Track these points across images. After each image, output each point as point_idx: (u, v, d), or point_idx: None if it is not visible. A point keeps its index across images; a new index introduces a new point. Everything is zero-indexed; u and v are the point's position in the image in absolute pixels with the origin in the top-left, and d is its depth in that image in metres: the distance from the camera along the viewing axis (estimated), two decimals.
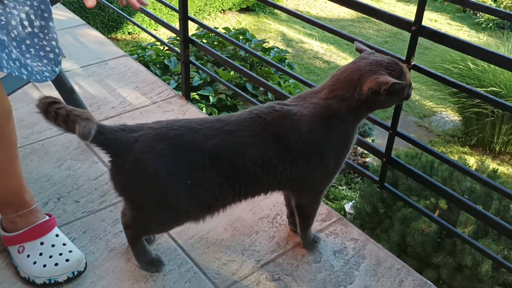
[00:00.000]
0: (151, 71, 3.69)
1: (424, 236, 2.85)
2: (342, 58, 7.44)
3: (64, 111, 1.37)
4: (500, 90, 4.87)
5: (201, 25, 2.61)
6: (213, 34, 5.00)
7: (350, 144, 1.61)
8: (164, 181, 1.46)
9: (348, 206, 4.22)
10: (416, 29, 1.63)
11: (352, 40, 1.80)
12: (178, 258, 1.78)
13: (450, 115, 6.02)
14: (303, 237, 1.80)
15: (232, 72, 4.23)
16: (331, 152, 1.55)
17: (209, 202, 1.52)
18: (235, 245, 1.84)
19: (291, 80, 4.76)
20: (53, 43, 1.57)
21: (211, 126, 1.48)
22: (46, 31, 1.56)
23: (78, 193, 2.05)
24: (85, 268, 1.70)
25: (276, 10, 8.99)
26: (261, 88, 4.28)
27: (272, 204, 2.02)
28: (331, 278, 1.73)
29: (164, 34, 7.18)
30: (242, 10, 8.69)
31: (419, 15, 1.60)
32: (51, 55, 1.55)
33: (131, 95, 2.72)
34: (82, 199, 2.02)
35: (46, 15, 1.56)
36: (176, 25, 2.68)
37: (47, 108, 1.39)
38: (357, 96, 1.47)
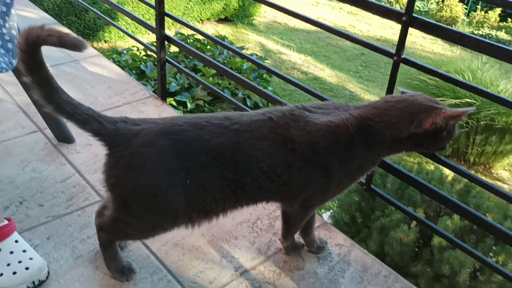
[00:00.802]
0: None
1: (402, 245, 2.80)
2: (320, 69, 7.44)
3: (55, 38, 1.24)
4: (474, 101, 4.93)
5: (178, 21, 2.51)
6: (191, 40, 4.91)
7: (365, 172, 1.52)
8: (161, 180, 1.35)
9: (326, 216, 4.15)
10: (407, 19, 1.57)
11: (353, 39, 1.77)
12: (150, 265, 1.65)
13: None
14: (285, 243, 1.72)
15: (210, 79, 4.14)
16: (343, 171, 1.44)
17: (208, 207, 1.41)
18: (213, 252, 1.72)
19: (270, 88, 4.71)
20: (13, 32, 1.45)
21: (219, 124, 1.38)
22: (6, 18, 1.44)
23: (42, 197, 1.90)
24: (47, 277, 1.56)
25: (254, 21, 8.97)
26: (240, 94, 4.20)
27: (252, 208, 1.92)
28: (315, 286, 1.63)
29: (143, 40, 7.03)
30: (220, 21, 8.64)
31: (410, 5, 1.55)
32: (9, 45, 1.43)
33: (104, 95, 2.59)
34: (47, 203, 1.88)
35: (8, 0, 1.44)
36: (153, 23, 2.58)
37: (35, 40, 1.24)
38: (412, 129, 1.38)
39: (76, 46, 1.26)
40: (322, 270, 1.69)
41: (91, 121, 1.34)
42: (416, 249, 2.91)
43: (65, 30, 1.30)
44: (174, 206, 1.38)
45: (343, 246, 1.80)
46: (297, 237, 1.77)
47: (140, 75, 4.27)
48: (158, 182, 1.35)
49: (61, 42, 1.24)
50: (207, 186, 1.37)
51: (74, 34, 1.27)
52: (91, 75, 2.77)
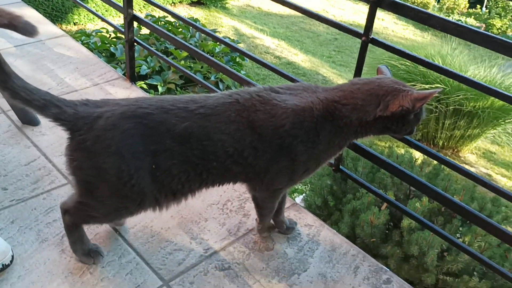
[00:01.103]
0: None
1: (373, 227, 2.85)
2: (293, 54, 7.43)
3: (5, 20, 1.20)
4: (445, 86, 5.01)
5: (148, 1, 2.45)
6: (162, 23, 4.82)
7: (332, 156, 1.49)
8: (126, 164, 1.31)
9: (298, 199, 4.18)
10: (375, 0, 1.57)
11: (322, 19, 1.77)
12: (118, 248, 1.63)
13: None
14: (259, 226, 1.70)
15: (182, 62, 4.08)
16: (307, 155, 1.41)
17: (174, 187, 1.39)
18: (182, 234, 1.71)
19: (243, 72, 4.67)
20: None
21: (184, 108, 1.35)
22: None
23: (6, 180, 1.84)
24: (11, 261, 1.52)
25: (227, 5, 8.86)
26: (212, 78, 4.16)
27: (222, 190, 1.90)
28: (284, 266, 1.64)
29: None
30: (193, 4, 8.49)
31: None
32: None
33: (70, 76, 2.52)
34: (11, 186, 1.82)
35: None
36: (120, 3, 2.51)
37: None
38: (379, 112, 1.36)
39: (27, 31, 1.22)
40: (291, 250, 1.70)
41: (49, 106, 1.30)
42: (386, 231, 2.96)
43: (32, 11, 1.25)
44: (139, 189, 1.35)
45: (312, 227, 1.81)
46: None
47: (110, 58, 4.17)
48: (123, 166, 1.31)
49: (12, 24, 1.19)
50: (173, 170, 1.35)
51: (25, 19, 1.22)
52: (57, 56, 2.69)
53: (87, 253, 1.55)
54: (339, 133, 1.41)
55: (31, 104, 1.30)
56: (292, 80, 1.96)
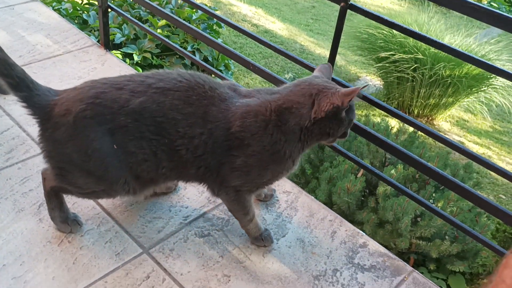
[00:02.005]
0: None
1: (349, 194, 2.90)
2: (270, 22, 7.34)
3: None
4: (423, 57, 5.05)
5: None
6: None
7: (284, 164, 1.42)
8: (86, 147, 1.30)
9: None
10: None
11: None
12: (97, 217, 1.62)
13: (374, 80, 6.19)
14: (245, 230, 1.60)
15: (159, 30, 3.98)
16: (258, 159, 1.37)
17: (135, 171, 1.37)
18: (161, 202, 1.71)
19: (220, 40, 4.60)
20: None
21: (141, 82, 1.31)
22: None
23: None
24: None
25: None
26: (189, 48, 4.08)
27: None
28: None
29: None
30: None
31: None
32: None
33: (42, 43, 2.44)
34: None
35: None
36: None
37: None
38: (314, 114, 1.34)
39: None
40: (270, 216, 1.73)
41: (22, 86, 1.30)
42: (362, 198, 3.02)
43: None
44: (105, 171, 1.35)
45: (290, 193, 1.84)
46: None
47: (83, 25, 4.04)
48: (83, 148, 1.31)
49: None
50: (130, 147, 1.32)
51: None
52: (28, 22, 2.59)
53: (65, 221, 1.55)
54: (286, 140, 1.37)
55: (6, 79, 1.30)
56: (268, 45, 1.94)
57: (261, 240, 1.60)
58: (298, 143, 1.39)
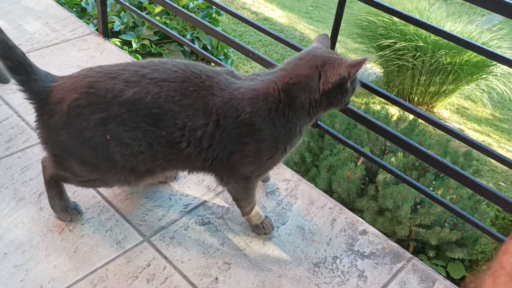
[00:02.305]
0: None
1: (349, 182, 2.91)
2: (270, 10, 7.29)
3: None
4: (423, 44, 5.03)
5: None
6: None
7: (294, 140, 1.42)
8: (78, 136, 1.30)
9: None
10: None
11: None
12: (97, 205, 1.63)
13: (374, 68, 6.17)
14: (246, 218, 1.61)
15: (157, 18, 3.95)
16: (270, 141, 1.36)
17: (130, 163, 1.35)
18: (162, 191, 1.72)
19: (219, 28, 4.57)
20: None
21: (136, 72, 1.29)
22: None
23: None
24: None
25: None
26: (188, 36, 4.06)
27: None
28: None
29: None
30: None
31: None
32: None
33: (40, 32, 2.42)
34: None
35: None
36: None
37: None
38: (322, 86, 1.33)
39: None
40: (270, 204, 1.73)
41: (20, 70, 1.30)
42: (362, 186, 3.03)
43: None
44: (99, 162, 1.35)
45: (290, 181, 1.84)
46: None
47: (81, 13, 4.02)
48: (77, 136, 1.31)
49: None
50: (124, 138, 1.31)
51: None
52: (26, 11, 2.58)
53: (65, 210, 1.55)
54: (295, 117, 1.37)
55: (6, 62, 1.29)
56: (268, 33, 1.93)
57: (261, 228, 1.60)
58: (307, 117, 1.40)
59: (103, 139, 1.30)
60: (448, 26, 5.27)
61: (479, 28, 5.48)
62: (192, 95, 1.30)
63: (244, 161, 1.39)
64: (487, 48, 1.49)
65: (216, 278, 1.46)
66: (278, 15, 7.18)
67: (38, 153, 1.77)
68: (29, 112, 1.94)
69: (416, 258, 1.63)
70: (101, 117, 1.28)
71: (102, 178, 1.43)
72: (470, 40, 1.51)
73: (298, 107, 1.36)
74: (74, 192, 1.65)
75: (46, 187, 1.52)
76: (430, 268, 1.60)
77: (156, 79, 1.29)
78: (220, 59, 4.11)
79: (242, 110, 1.31)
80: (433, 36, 4.96)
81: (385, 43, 5.11)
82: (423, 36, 5.03)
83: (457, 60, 4.95)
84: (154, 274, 1.44)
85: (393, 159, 2.84)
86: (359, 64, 1.31)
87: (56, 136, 1.34)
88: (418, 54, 5.04)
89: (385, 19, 5.33)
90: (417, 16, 5.03)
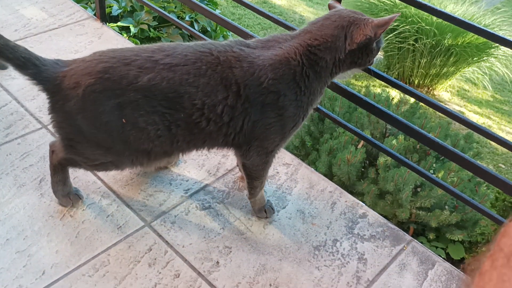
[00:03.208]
0: None
1: (349, 166, 2.91)
2: None
3: None
4: (426, 26, 4.99)
5: None
6: None
7: (316, 102, 1.43)
8: (94, 120, 1.30)
9: None
10: None
11: None
12: (98, 191, 1.63)
13: None
14: (252, 201, 1.61)
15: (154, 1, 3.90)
16: (294, 107, 1.36)
17: (146, 146, 1.35)
18: (162, 176, 1.72)
19: (218, 11, 4.53)
20: None
21: (148, 57, 1.28)
22: None
23: None
24: None
25: None
26: (186, 18, 4.02)
27: None
28: None
29: None
30: None
31: None
32: None
33: (37, 17, 2.40)
34: None
35: None
36: None
37: None
38: (348, 46, 1.33)
39: None
40: (270, 188, 1.73)
41: (28, 65, 1.30)
42: (362, 169, 3.03)
43: None
44: (114, 144, 1.35)
45: (290, 165, 1.84)
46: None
47: None
48: (92, 120, 1.31)
49: None
50: (140, 123, 1.31)
51: None
52: None
53: (67, 195, 1.56)
54: (318, 78, 1.38)
55: (12, 62, 1.30)
56: (267, 16, 1.91)
57: (263, 211, 1.61)
58: (329, 77, 1.41)
59: (119, 123, 1.30)
60: (451, 8, 5.22)
61: (482, 9, 5.42)
62: (207, 73, 1.29)
63: (269, 131, 1.38)
64: (489, 30, 1.47)
65: (217, 262, 1.47)
66: None
67: (38, 139, 1.77)
68: (28, 98, 1.93)
69: (415, 240, 1.64)
70: (117, 102, 1.28)
71: (115, 161, 1.43)
72: (471, 22, 1.50)
73: (322, 68, 1.36)
74: (75, 177, 1.65)
75: (51, 172, 1.52)
76: (429, 250, 1.61)
77: (169, 64, 1.29)
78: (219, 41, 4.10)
79: (265, 77, 1.30)
80: (435, 18, 4.91)
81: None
82: (425, 19, 4.99)
83: (460, 42, 4.91)
84: (155, 259, 1.45)
85: (394, 141, 2.84)
86: (386, 24, 1.31)
87: (71, 121, 1.33)
88: (420, 36, 5.00)
89: (386, 1, 5.28)
90: None
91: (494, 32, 1.46)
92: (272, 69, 1.31)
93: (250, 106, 1.32)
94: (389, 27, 4.92)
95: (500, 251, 0.53)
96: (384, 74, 1.72)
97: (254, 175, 1.51)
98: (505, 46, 1.48)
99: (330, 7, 1.46)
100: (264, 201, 1.60)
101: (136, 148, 1.36)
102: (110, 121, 1.30)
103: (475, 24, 1.50)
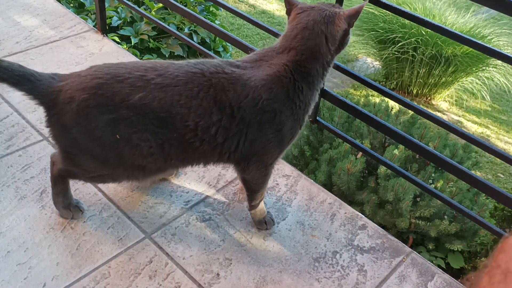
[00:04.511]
0: None
1: (349, 175, 2.92)
2: (268, 3, 7.26)
3: None
4: (425, 36, 5.03)
5: None
6: None
7: (310, 109, 1.46)
8: (89, 134, 1.32)
9: None
10: None
11: None
12: (99, 203, 1.64)
13: (372, 60, 6.16)
14: (252, 213, 1.62)
15: (154, 13, 3.94)
16: (292, 121, 1.39)
17: (140, 162, 1.37)
18: (162, 188, 1.73)
19: (217, 22, 4.56)
20: None
21: (141, 76, 1.30)
22: None
23: None
24: None
25: None
26: (186, 29, 4.05)
27: None
28: None
29: None
30: None
31: None
32: None
33: (38, 29, 2.42)
34: None
35: None
36: None
37: None
38: (331, 46, 1.37)
39: None
40: (270, 200, 1.74)
41: (23, 82, 1.32)
42: (362, 179, 3.03)
43: None
44: (109, 159, 1.37)
45: (290, 177, 1.85)
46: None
47: (79, 9, 4.00)
48: (87, 135, 1.33)
49: None
50: (133, 140, 1.32)
51: None
52: (23, 8, 2.57)
53: (67, 207, 1.56)
54: (312, 88, 1.41)
55: (7, 81, 1.33)
56: (265, 29, 1.93)
57: (264, 223, 1.62)
58: (321, 81, 1.45)
59: (113, 138, 1.32)
60: (452, 19, 5.25)
61: (484, 18, 5.46)
62: (199, 95, 1.31)
63: (268, 147, 1.41)
64: (486, 45, 1.49)
65: (218, 274, 1.47)
66: (276, 8, 7.16)
67: (39, 151, 1.78)
68: (29, 110, 1.95)
69: (415, 252, 1.65)
70: (110, 118, 1.30)
71: (111, 174, 1.45)
72: (468, 37, 1.51)
73: (314, 76, 1.40)
74: (75, 189, 1.66)
75: (52, 183, 1.53)
76: (429, 262, 1.62)
77: (160, 84, 1.30)
78: (218, 52, 4.12)
79: (259, 98, 1.33)
80: None
81: (386, 37, 5.10)
82: (425, 29, 5.02)
83: (458, 52, 4.94)
84: (156, 271, 1.46)
85: (395, 151, 2.84)
86: (357, 13, 1.35)
87: (68, 134, 1.35)
88: (419, 46, 5.03)
89: (386, 12, 5.32)
90: (418, 7, 4.99)
91: (490, 47, 1.48)
92: (266, 89, 1.33)
93: (245, 127, 1.35)
94: (389, 38, 4.90)
95: (497, 267, 0.54)
96: (380, 86, 1.74)
97: (254, 188, 1.53)
98: (502, 60, 1.50)
99: (290, 4, 1.44)
100: (264, 213, 1.61)
101: (131, 163, 1.38)
102: (104, 136, 1.32)
103: (471, 38, 1.52)
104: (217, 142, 1.35)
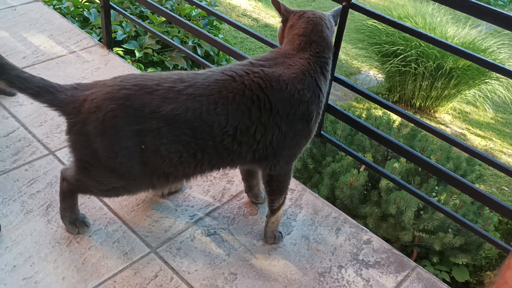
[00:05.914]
0: None
1: (352, 189, 2.92)
2: (270, 16, 7.32)
3: None
4: (429, 49, 5.05)
5: None
6: None
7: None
8: (113, 144, 1.33)
9: None
10: None
11: None
12: (104, 217, 1.65)
13: (375, 73, 6.18)
14: (269, 221, 1.61)
15: (159, 23, 3.98)
16: (316, 111, 1.47)
17: (167, 170, 1.38)
18: (167, 202, 1.73)
19: (221, 36, 4.60)
20: None
21: (170, 88, 1.32)
22: None
23: None
24: None
25: None
26: (190, 43, 4.09)
27: None
28: None
29: None
30: None
31: None
32: None
33: (45, 44, 2.45)
34: None
35: None
36: None
37: None
38: (331, 37, 1.55)
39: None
40: None
41: (43, 93, 1.35)
42: (365, 192, 3.03)
43: None
44: (129, 169, 1.37)
45: (294, 191, 1.85)
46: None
47: (84, 23, 4.04)
48: (110, 145, 1.33)
49: None
50: (162, 151, 1.34)
51: None
52: (30, 23, 2.61)
53: (74, 223, 1.57)
54: (327, 76, 1.52)
55: (26, 92, 1.35)
56: (268, 43, 1.95)
57: (273, 237, 1.62)
58: (330, 70, 1.55)
59: (138, 149, 1.33)
60: (453, 32, 5.28)
61: (484, 31, 5.48)
62: (235, 99, 1.34)
63: (299, 137, 1.47)
64: (485, 59, 1.51)
65: None
66: (279, 21, 7.19)
67: (45, 165, 1.79)
68: (36, 125, 1.97)
69: (420, 266, 1.65)
70: (136, 129, 1.31)
71: (127, 186, 1.44)
72: (469, 51, 1.53)
73: (328, 65, 1.51)
74: (81, 204, 1.66)
75: (60, 198, 1.54)
76: (434, 276, 1.61)
77: (192, 94, 1.32)
78: (221, 65, 4.16)
79: (294, 89, 1.40)
80: None
81: (388, 50, 5.12)
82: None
83: (461, 65, 4.96)
84: (161, 285, 1.46)
85: (396, 164, 2.85)
86: (337, 14, 1.61)
87: (89, 144, 1.35)
88: (422, 59, 5.05)
89: (389, 26, 5.35)
90: (419, 21, 5.02)
91: (490, 61, 1.49)
92: (299, 81, 1.41)
93: (280, 119, 1.40)
94: (391, 50, 4.94)
95: (505, 284, 0.54)
96: (379, 98, 1.77)
97: (279, 187, 1.55)
98: (501, 74, 1.51)
99: (287, 12, 1.59)
100: (278, 224, 1.63)
101: (153, 171, 1.39)
102: (129, 146, 1.33)
103: (471, 52, 1.53)
104: (255, 140, 1.40)
